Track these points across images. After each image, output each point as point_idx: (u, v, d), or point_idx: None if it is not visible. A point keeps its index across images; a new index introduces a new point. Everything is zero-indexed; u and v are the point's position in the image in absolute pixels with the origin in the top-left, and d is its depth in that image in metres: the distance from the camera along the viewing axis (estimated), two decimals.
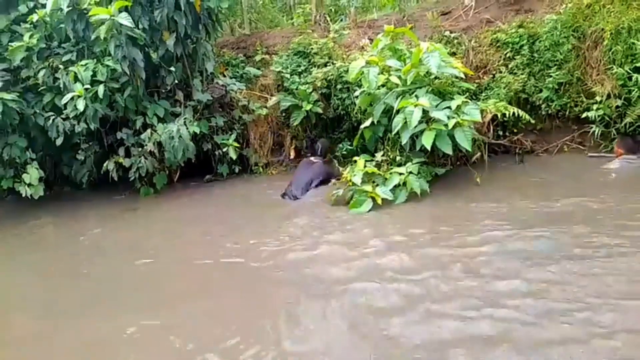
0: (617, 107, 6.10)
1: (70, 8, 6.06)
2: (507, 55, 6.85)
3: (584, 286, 2.94)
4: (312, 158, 6.47)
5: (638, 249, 3.37)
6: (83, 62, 6.18)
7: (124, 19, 5.58)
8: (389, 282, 3.27)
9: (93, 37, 5.93)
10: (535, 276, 3.14)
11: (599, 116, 6.14)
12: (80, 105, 5.90)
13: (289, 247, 4.17)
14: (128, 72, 6.01)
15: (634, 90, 5.94)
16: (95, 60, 6.26)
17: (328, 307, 3.05)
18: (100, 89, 5.98)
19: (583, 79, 6.45)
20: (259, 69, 7.86)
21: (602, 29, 6.22)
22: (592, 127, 6.23)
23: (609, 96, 6.12)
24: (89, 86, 5.99)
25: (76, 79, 6.06)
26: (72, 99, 5.96)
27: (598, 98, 6.16)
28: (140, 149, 6.40)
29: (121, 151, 6.48)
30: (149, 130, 6.31)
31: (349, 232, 4.42)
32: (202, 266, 4.03)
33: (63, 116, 6.25)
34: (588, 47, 6.44)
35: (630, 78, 5.97)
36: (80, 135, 6.46)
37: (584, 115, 6.27)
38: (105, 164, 6.40)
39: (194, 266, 4.06)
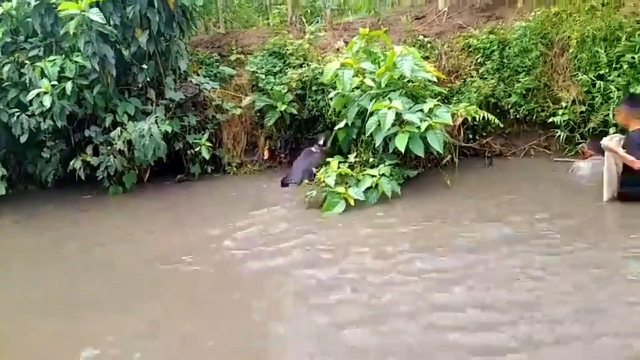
0: (581, 112, 6.32)
1: (38, 2, 5.88)
2: (478, 60, 7.01)
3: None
4: (312, 148, 6.67)
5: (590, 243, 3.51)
6: (51, 58, 6.00)
7: (95, 15, 5.45)
8: (359, 286, 3.30)
9: (62, 32, 5.78)
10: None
11: (564, 121, 6.34)
12: (47, 101, 5.72)
13: (251, 251, 4.14)
14: (98, 69, 5.87)
15: (597, 96, 6.18)
16: (63, 56, 6.08)
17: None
18: (68, 86, 5.82)
19: (550, 85, 6.66)
20: (233, 68, 7.80)
21: (569, 37, 6.44)
22: (557, 132, 6.43)
23: (574, 102, 6.33)
24: (56, 82, 5.82)
25: (43, 74, 5.87)
26: (38, 95, 5.78)
27: (564, 104, 6.36)
28: (109, 148, 6.25)
29: (89, 149, 6.32)
30: (118, 129, 6.17)
31: (321, 233, 4.44)
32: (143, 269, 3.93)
33: (28, 113, 6.05)
34: (555, 54, 6.65)
35: (594, 85, 6.20)
36: (46, 132, 6.26)
37: (550, 120, 6.47)
38: (72, 163, 6.23)
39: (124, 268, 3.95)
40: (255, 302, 3.23)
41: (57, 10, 5.70)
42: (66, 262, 4.27)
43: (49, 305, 3.42)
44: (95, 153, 6.32)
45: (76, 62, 5.98)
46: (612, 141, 4.54)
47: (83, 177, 6.21)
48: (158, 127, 6.14)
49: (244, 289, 3.46)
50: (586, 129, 6.31)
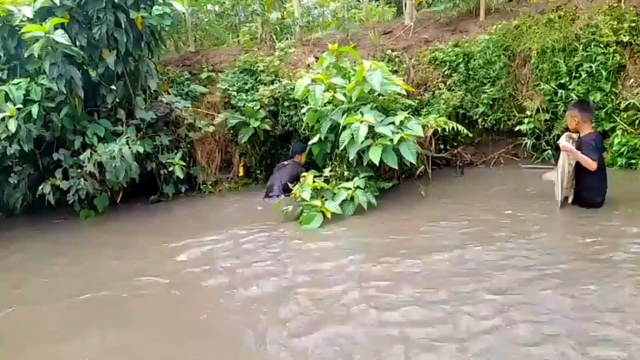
0: (545, 120, 6.57)
1: (0, 25, 5.76)
2: (445, 72, 7.22)
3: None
4: (284, 161, 6.85)
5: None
6: (15, 81, 5.85)
7: (60, 37, 5.37)
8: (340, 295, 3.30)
9: (26, 55, 5.65)
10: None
11: (530, 129, 6.58)
12: (12, 126, 5.57)
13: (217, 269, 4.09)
14: (65, 91, 5.76)
15: (559, 104, 6.44)
16: (28, 78, 5.95)
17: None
18: (34, 109, 5.68)
19: (515, 94, 6.91)
20: (205, 86, 7.78)
21: (530, 48, 6.72)
22: (524, 140, 6.65)
23: (538, 110, 6.59)
24: (21, 106, 5.67)
25: (7, 98, 5.72)
26: (3, 119, 5.62)
27: (528, 112, 6.61)
28: (79, 170, 6.11)
29: (58, 173, 6.15)
30: (88, 151, 6.04)
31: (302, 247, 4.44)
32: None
33: None
34: (518, 65, 6.92)
35: (556, 93, 6.47)
36: (12, 157, 6.07)
37: (516, 128, 6.71)
38: (40, 187, 6.05)
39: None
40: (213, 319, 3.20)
41: (20, 33, 5.59)
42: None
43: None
44: (65, 177, 6.15)
45: (42, 84, 5.85)
46: (570, 142, 4.54)
47: (53, 202, 6.04)
48: (129, 147, 6.04)
49: (199, 305, 3.42)
50: (551, 136, 6.56)
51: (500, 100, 6.93)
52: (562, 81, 6.45)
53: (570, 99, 6.31)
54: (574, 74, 6.40)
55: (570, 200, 4.64)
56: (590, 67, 6.21)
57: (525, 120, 6.61)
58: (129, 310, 3.48)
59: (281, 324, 2.97)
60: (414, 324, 2.78)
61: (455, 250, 3.82)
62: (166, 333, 3.10)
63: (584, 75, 6.27)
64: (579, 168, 4.45)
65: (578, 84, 6.31)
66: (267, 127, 7.07)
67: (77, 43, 5.83)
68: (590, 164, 4.28)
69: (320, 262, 3.95)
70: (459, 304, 2.96)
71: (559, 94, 6.42)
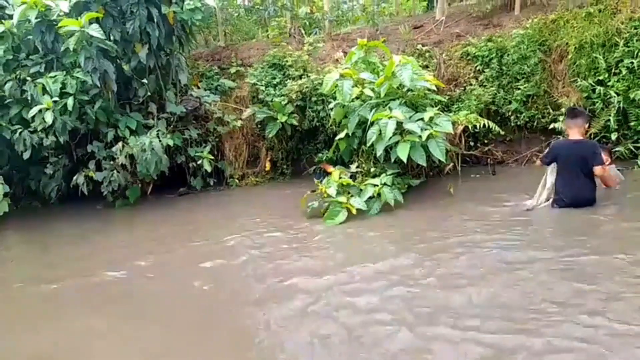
0: None
1: (39, 19, 5.94)
2: (477, 68, 7.04)
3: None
4: None
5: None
6: (52, 74, 6.06)
7: (95, 31, 5.50)
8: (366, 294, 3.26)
9: (62, 48, 5.83)
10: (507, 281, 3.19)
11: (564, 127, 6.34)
12: (49, 118, 5.76)
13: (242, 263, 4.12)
14: (99, 84, 5.91)
15: (597, 102, 6.18)
16: (64, 72, 6.14)
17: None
18: (70, 102, 5.86)
19: (549, 91, 6.67)
20: (233, 81, 7.85)
21: (567, 44, 6.47)
22: (558, 138, 6.42)
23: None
24: (57, 99, 5.87)
25: (44, 91, 5.93)
26: (40, 111, 5.82)
27: (564, 110, 6.36)
28: (111, 162, 6.28)
29: (91, 164, 6.34)
30: (120, 143, 6.20)
31: (323, 244, 4.42)
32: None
33: (31, 129, 6.09)
34: (554, 60, 6.68)
35: (594, 90, 6.21)
36: (48, 148, 6.30)
37: (551, 126, 6.47)
38: (74, 178, 6.25)
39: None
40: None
41: (57, 27, 5.76)
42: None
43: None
44: (98, 168, 6.34)
45: (77, 77, 6.03)
46: None
47: (86, 192, 6.22)
48: (160, 141, 6.16)
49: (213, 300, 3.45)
50: (587, 135, 6.30)
51: (535, 97, 6.70)
52: (600, 78, 6.18)
53: (608, 96, 6.05)
54: (613, 70, 6.12)
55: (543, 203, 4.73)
56: (632, 62, 5.93)
57: (561, 118, 6.36)
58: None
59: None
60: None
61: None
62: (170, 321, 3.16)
63: (624, 71, 5.99)
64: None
65: (618, 81, 6.04)
66: (295, 122, 7.08)
67: (111, 37, 5.97)
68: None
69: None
70: None
71: (597, 91, 6.17)
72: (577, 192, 4.46)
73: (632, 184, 5.27)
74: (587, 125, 4.84)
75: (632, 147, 6.08)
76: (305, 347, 2.63)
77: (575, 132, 4.54)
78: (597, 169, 4.44)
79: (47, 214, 6.65)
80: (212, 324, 3.09)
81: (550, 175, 4.66)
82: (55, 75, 6.03)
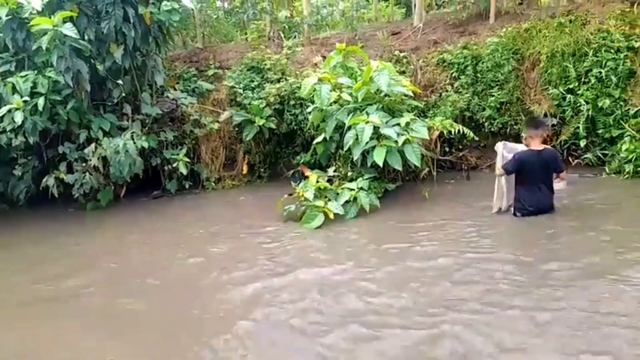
0: (553, 125, 6.49)
1: (10, 17, 5.79)
2: (453, 75, 7.17)
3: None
4: None
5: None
6: (22, 73, 5.90)
7: (68, 30, 5.38)
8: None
9: (34, 47, 5.68)
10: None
11: None
12: (18, 117, 5.60)
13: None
14: (72, 84, 5.78)
15: (567, 110, 6.36)
16: (35, 71, 5.98)
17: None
18: (41, 101, 5.71)
19: (522, 98, 6.84)
20: (211, 83, 7.78)
21: (539, 52, 6.65)
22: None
23: (545, 115, 6.50)
24: (28, 98, 5.70)
25: (14, 90, 5.76)
26: (9, 111, 5.65)
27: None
28: (83, 164, 6.14)
29: (62, 166, 6.19)
30: (93, 145, 6.06)
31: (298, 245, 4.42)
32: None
33: None
34: (526, 68, 6.85)
35: (564, 98, 6.39)
36: (17, 149, 6.12)
37: (523, 133, 6.61)
38: (44, 180, 6.08)
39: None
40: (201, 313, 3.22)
41: (29, 26, 5.61)
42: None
43: None
44: (70, 170, 6.18)
45: (49, 77, 5.88)
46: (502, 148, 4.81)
47: (56, 195, 6.06)
48: (134, 142, 6.06)
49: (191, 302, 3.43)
50: (558, 142, 6.48)
51: (508, 104, 6.86)
52: (571, 86, 6.37)
53: (578, 104, 6.24)
54: (583, 79, 6.32)
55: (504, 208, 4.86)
56: (600, 72, 6.13)
57: None
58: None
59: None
60: None
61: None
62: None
63: (593, 80, 6.19)
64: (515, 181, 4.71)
65: (587, 89, 6.23)
66: (272, 126, 7.06)
67: (85, 37, 5.85)
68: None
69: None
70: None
71: (567, 99, 6.35)
72: (541, 200, 4.61)
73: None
74: (545, 134, 5.07)
75: (600, 154, 6.28)
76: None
77: (537, 142, 4.66)
78: (562, 174, 4.70)
79: (14, 216, 6.44)
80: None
81: (507, 182, 4.75)
82: (26, 75, 5.87)
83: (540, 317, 2.76)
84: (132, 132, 6.20)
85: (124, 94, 6.39)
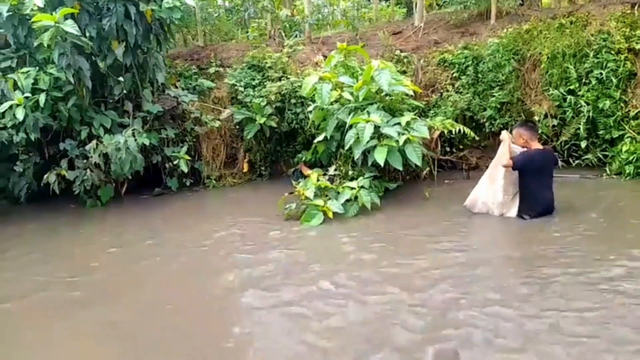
0: (553, 126, 6.52)
1: (11, 13, 5.78)
2: (454, 75, 7.19)
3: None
4: None
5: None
6: (24, 70, 5.88)
7: (70, 27, 5.38)
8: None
9: (35, 44, 5.67)
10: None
11: None
12: (20, 114, 5.59)
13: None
14: (73, 81, 5.78)
15: (568, 111, 6.38)
16: (37, 68, 5.98)
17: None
18: (42, 98, 5.70)
19: (523, 99, 6.86)
20: (212, 81, 7.79)
21: (540, 53, 6.66)
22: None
23: (546, 116, 6.53)
24: (29, 95, 5.70)
25: (16, 86, 5.76)
26: (10, 107, 5.65)
27: (536, 117, 6.55)
28: (84, 161, 6.14)
29: (63, 163, 6.18)
30: (94, 142, 6.06)
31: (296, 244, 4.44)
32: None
33: (0, 125, 5.90)
34: (527, 69, 6.87)
35: (565, 99, 6.41)
36: (18, 145, 6.11)
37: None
38: (45, 176, 6.08)
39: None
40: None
41: (30, 22, 5.60)
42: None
43: None
44: (71, 167, 6.18)
45: (50, 74, 5.87)
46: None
47: (57, 191, 6.06)
48: (135, 140, 6.06)
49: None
50: (558, 142, 6.50)
51: (508, 105, 6.88)
52: (571, 87, 6.39)
53: (579, 105, 6.25)
54: (583, 80, 6.34)
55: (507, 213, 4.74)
56: (601, 73, 6.15)
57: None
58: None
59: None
60: None
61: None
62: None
63: (593, 81, 6.21)
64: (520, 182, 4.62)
65: (587, 91, 6.25)
66: (273, 124, 7.06)
67: (87, 34, 5.85)
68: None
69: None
70: None
71: (567, 100, 6.37)
72: (550, 200, 4.61)
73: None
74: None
75: (600, 155, 6.30)
76: None
77: (536, 143, 4.67)
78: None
79: (14, 212, 6.44)
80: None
81: (504, 179, 4.61)
82: (28, 71, 5.86)
83: (551, 319, 2.76)
84: (133, 129, 6.20)
85: (125, 91, 6.39)
